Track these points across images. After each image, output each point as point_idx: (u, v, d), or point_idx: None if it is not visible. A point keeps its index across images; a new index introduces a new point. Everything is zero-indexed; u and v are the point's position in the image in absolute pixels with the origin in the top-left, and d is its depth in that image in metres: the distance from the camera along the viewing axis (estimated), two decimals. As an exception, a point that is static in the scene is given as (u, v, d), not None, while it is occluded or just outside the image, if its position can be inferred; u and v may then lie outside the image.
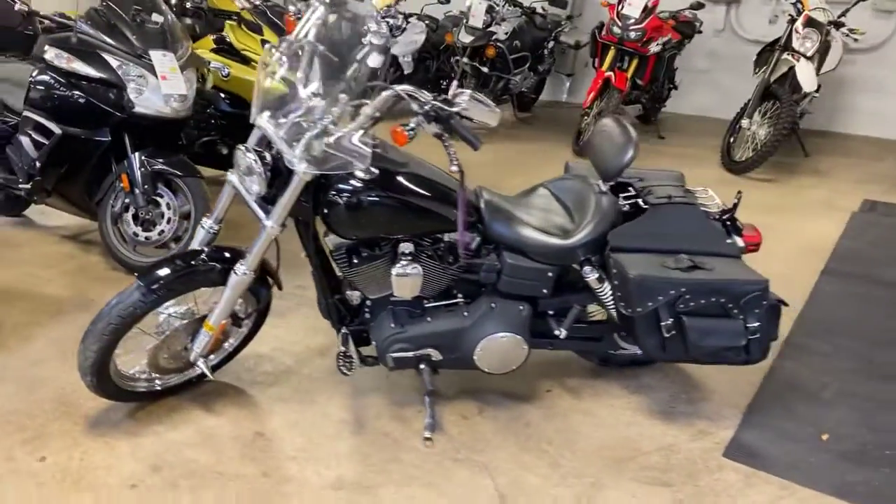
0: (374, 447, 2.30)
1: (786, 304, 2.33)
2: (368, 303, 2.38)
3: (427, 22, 7.24)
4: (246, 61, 4.33)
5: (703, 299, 2.19)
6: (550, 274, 2.32)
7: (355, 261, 2.26)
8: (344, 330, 2.37)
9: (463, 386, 2.62)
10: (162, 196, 3.41)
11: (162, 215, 3.40)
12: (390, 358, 2.32)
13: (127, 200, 3.37)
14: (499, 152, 6.09)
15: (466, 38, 6.36)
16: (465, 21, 6.42)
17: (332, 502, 2.07)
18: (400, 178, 2.16)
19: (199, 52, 4.23)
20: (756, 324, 2.24)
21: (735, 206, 2.47)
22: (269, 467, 2.20)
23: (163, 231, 3.40)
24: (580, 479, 2.20)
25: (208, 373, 2.35)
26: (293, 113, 2.03)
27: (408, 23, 7.00)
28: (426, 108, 1.91)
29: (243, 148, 2.07)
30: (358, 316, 2.41)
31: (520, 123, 7.23)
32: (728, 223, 2.43)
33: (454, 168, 1.91)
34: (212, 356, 2.51)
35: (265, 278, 2.39)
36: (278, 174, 2.09)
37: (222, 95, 4.35)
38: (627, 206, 2.41)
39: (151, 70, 3.26)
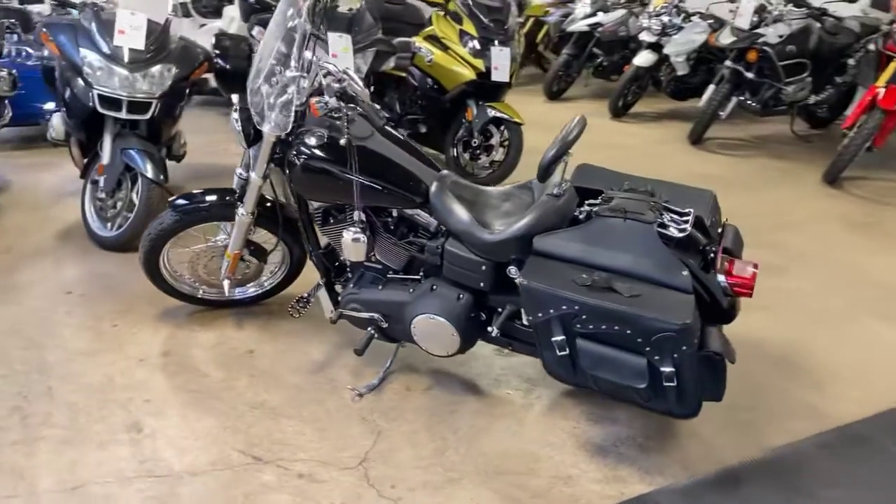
0: (312, 386, 2.58)
1: (730, 361, 1.94)
2: (348, 262, 2.63)
3: (710, 21, 6.71)
4: (447, 49, 4.71)
5: (603, 325, 1.96)
6: (485, 268, 2.28)
7: (330, 221, 2.54)
8: (320, 280, 2.67)
9: (435, 366, 2.70)
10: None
11: None
12: (338, 312, 2.55)
13: None
14: (734, 166, 5.52)
15: (726, 40, 5.81)
16: (731, 21, 5.86)
17: (241, 414, 2.43)
18: (347, 150, 2.34)
19: (417, 38, 4.74)
20: (670, 369, 1.92)
21: (720, 237, 2.10)
22: (230, 376, 2.64)
23: None
24: (447, 471, 2.18)
25: (226, 290, 2.87)
26: (278, 83, 2.38)
27: (688, 21, 6.65)
28: (329, 82, 2.11)
29: (232, 109, 2.49)
30: (345, 272, 2.69)
31: (795, 140, 6.28)
32: (710, 256, 2.09)
33: (342, 142, 2.07)
34: (251, 287, 3.04)
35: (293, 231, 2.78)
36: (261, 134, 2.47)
37: (428, 80, 4.80)
38: (585, 213, 2.22)
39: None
